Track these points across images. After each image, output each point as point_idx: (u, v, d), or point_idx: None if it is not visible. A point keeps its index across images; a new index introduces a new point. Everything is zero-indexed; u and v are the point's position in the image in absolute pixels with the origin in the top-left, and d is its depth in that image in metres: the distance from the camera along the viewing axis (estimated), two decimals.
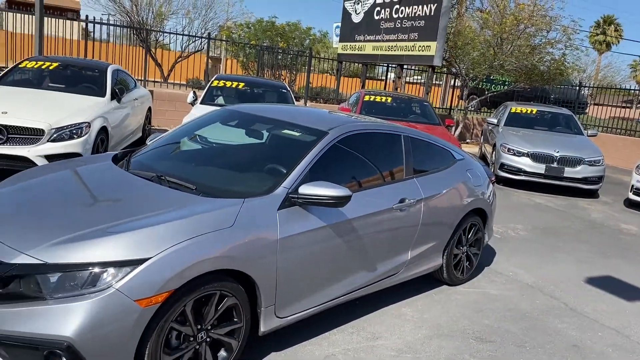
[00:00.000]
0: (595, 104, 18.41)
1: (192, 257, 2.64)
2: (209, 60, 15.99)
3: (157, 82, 13.93)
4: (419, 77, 22.47)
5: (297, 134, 3.72)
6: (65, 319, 2.39)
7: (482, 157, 12.00)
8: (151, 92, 11.44)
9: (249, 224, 2.94)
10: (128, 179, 3.34)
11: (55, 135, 6.27)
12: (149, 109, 10.02)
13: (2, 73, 7.76)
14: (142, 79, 12.82)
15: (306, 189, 3.15)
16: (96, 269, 2.47)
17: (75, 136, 6.44)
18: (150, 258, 2.54)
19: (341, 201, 3.17)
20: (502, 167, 9.91)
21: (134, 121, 8.72)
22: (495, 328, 4.08)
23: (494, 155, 10.49)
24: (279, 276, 3.09)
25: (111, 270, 2.48)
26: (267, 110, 4.27)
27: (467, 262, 4.88)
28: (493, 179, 5.21)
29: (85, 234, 2.58)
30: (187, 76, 16.00)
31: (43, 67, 8.00)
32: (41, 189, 3.24)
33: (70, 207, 2.94)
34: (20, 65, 7.97)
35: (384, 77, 27.34)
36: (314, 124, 3.76)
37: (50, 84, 7.75)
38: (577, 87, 17.64)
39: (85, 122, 6.58)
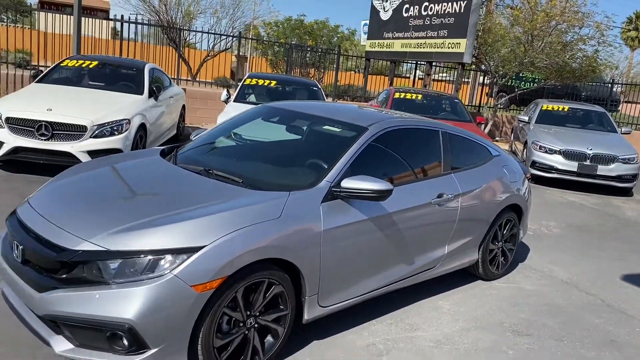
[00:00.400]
0: (627, 102, 18.10)
1: (243, 246, 2.76)
2: (235, 59, 16.19)
3: (187, 80, 14.18)
4: (445, 75, 22.36)
5: (337, 129, 3.83)
6: (127, 303, 2.53)
7: (513, 155, 11.93)
8: (183, 90, 11.67)
9: (294, 215, 3.05)
10: (178, 172, 3.49)
11: (97, 131, 6.49)
12: (183, 106, 10.24)
13: (45, 71, 8.04)
14: (175, 77, 13.06)
15: (348, 183, 3.25)
16: (155, 256, 2.61)
17: (116, 132, 6.65)
18: (206, 246, 2.66)
19: (383, 195, 3.26)
20: (534, 164, 9.86)
21: (169, 119, 8.94)
22: (531, 322, 4.12)
23: (525, 153, 10.44)
24: (322, 266, 3.20)
25: (169, 257, 2.62)
26: (307, 107, 4.38)
27: (502, 258, 4.92)
28: (529, 175, 5.24)
29: (143, 223, 2.72)
30: (213, 75, 16.22)
31: (83, 65, 8.25)
32: (97, 181, 3.41)
33: (126, 198, 3.10)
34: (61, 64, 8.24)
35: (409, 75, 27.31)
36: (354, 120, 3.86)
37: (90, 82, 8.00)
38: (610, 85, 17.35)
39: (125, 119, 6.79)
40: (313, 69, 16.99)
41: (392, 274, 3.77)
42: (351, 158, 3.47)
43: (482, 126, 14.35)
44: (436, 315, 4.04)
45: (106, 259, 2.61)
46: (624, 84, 17.66)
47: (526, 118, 11.55)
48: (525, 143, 10.51)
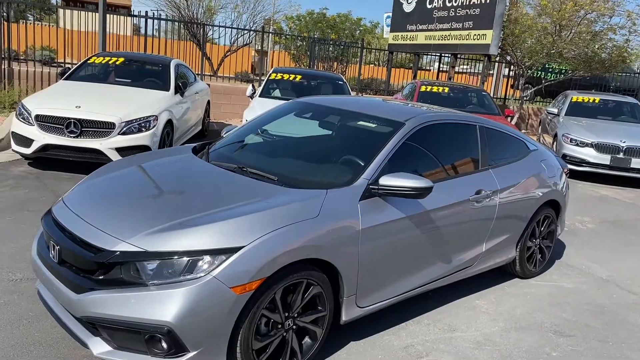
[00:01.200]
0: None
1: (281, 246, 2.69)
2: (255, 53, 16.16)
3: (210, 75, 14.16)
4: (467, 67, 22.02)
5: (372, 125, 3.73)
6: (165, 305, 2.48)
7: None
8: (208, 85, 11.66)
9: (332, 214, 2.97)
10: (211, 170, 3.43)
11: (125, 128, 6.49)
12: (208, 102, 10.22)
13: (72, 69, 8.07)
14: (199, 73, 13.06)
15: (387, 180, 3.16)
16: (193, 257, 2.55)
17: (143, 129, 6.64)
18: (244, 247, 2.60)
19: (422, 192, 3.16)
20: (564, 158, 9.61)
21: (195, 114, 8.92)
22: (573, 322, 3.98)
23: (554, 146, 10.20)
24: (360, 266, 3.11)
25: (207, 258, 2.56)
26: (340, 102, 4.29)
27: (540, 255, 4.78)
28: (566, 169, 5.08)
29: (180, 223, 2.67)
30: (233, 70, 16.20)
31: (110, 62, 8.27)
32: (131, 180, 3.37)
33: (161, 196, 3.05)
34: (88, 61, 8.27)
35: (430, 67, 26.93)
36: (389, 115, 3.76)
37: (117, 79, 8.01)
38: None
39: (152, 116, 6.77)
40: (336, 63, 16.85)
41: (429, 273, 3.67)
42: (388, 154, 3.37)
43: (511, 119, 14.10)
44: (474, 315, 3.93)
45: (144, 260, 2.56)
46: None
47: (555, 110, 11.29)
48: (555, 136, 10.27)
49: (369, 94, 16.33)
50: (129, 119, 6.54)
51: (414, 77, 16.33)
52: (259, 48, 16.17)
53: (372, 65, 21.35)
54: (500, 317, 3.95)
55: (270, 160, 3.74)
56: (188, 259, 2.56)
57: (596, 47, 14.11)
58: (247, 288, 2.60)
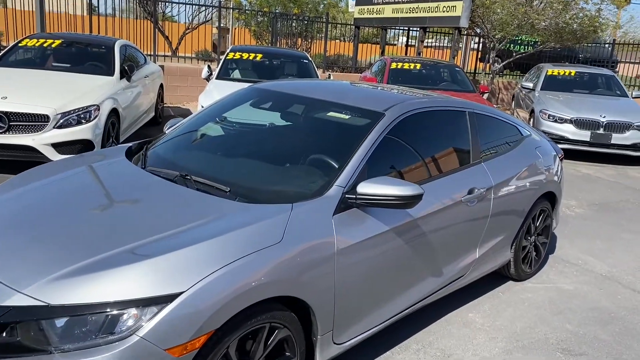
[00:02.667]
0: (622, 62, 17.42)
1: (233, 287, 2.05)
2: (219, 31, 15.22)
3: (166, 56, 13.20)
4: (432, 40, 21.46)
5: (346, 116, 3.08)
6: None
7: None
8: (162, 67, 10.77)
9: (300, 236, 2.34)
10: (145, 180, 2.74)
11: (61, 120, 5.68)
12: (161, 86, 9.36)
13: (1, 53, 7.14)
14: (152, 54, 12.11)
15: (366, 188, 2.53)
16: (114, 311, 1.89)
17: (83, 121, 5.83)
18: (183, 292, 1.95)
19: (411, 201, 2.55)
20: None
21: (146, 100, 8.09)
22: (581, 335, 3.47)
23: (531, 123, 9.74)
24: (337, 296, 2.50)
25: (133, 311, 1.90)
26: (305, 88, 3.61)
27: (535, 253, 4.26)
28: (561, 155, 4.54)
29: (97, 263, 1.99)
30: (195, 49, 15.25)
31: (45, 45, 7.35)
32: (42, 197, 2.63)
33: (76, 223, 2.33)
34: (20, 44, 7.33)
35: (395, 42, 26.23)
36: (365, 104, 3.11)
37: (53, 64, 7.13)
38: (611, 45, 16.61)
39: (93, 105, 5.97)
40: (300, 39, 16.03)
41: (419, 291, 3.08)
42: (367, 154, 2.74)
43: (485, 96, 13.62)
44: (470, 334, 3.37)
45: (48, 317, 1.88)
46: (627, 44, 16.87)
47: (530, 85, 10.81)
48: (532, 112, 9.81)
49: (336, 72, 15.62)
50: (65, 109, 5.72)
51: (382, 52, 15.67)
52: (220, 25, 15.21)
53: (339, 41, 20.52)
54: (499, 334, 3.41)
55: (221, 164, 3.03)
56: (107, 313, 1.89)
57: (567, 17, 13.67)
58: (188, 347, 1.95)
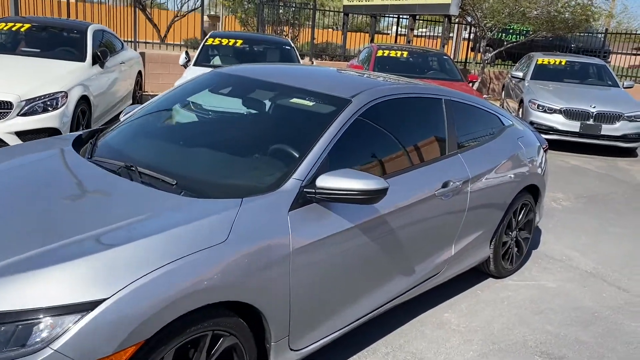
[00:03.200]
0: (613, 53, 17.22)
1: (170, 293, 1.82)
2: (207, 19, 14.88)
3: (149, 43, 12.81)
4: (425, 30, 21.17)
5: (309, 103, 2.84)
6: None
7: None
8: (142, 54, 10.46)
9: (249, 235, 2.11)
10: (86, 172, 2.50)
11: (26, 108, 5.43)
12: (139, 73, 9.07)
13: None
14: (133, 40, 11.77)
15: (326, 181, 2.31)
16: (25, 320, 1.67)
17: (50, 108, 5.58)
18: (107, 299, 1.72)
19: (375, 196, 2.33)
20: (531, 125, 8.92)
21: (121, 88, 7.81)
22: (562, 337, 3.28)
23: (520, 113, 9.53)
24: (293, 300, 2.28)
25: (48, 320, 1.68)
26: (269, 72, 3.37)
27: (517, 249, 4.06)
28: (545, 146, 4.33)
29: (8, 265, 1.76)
30: (185, 37, 14.90)
31: (14, 29, 7.05)
32: None
33: None
34: None
35: (389, 31, 25.85)
36: (332, 90, 2.88)
37: (23, 49, 6.84)
38: (603, 35, 16.39)
39: (61, 92, 5.71)
40: (287, 27, 15.71)
41: (387, 292, 2.87)
42: (329, 144, 2.51)
43: (472, 84, 13.40)
44: (443, 335, 3.17)
45: None
46: (619, 33, 16.67)
47: (520, 74, 10.58)
48: (521, 102, 9.59)
49: (325, 60, 15.33)
50: (30, 96, 5.47)
51: (371, 41, 15.39)
52: (211, 13, 14.91)
53: (330, 29, 20.20)
54: (475, 335, 3.21)
55: (172, 154, 2.79)
56: (17, 323, 1.67)
57: (559, 5, 13.43)
58: None
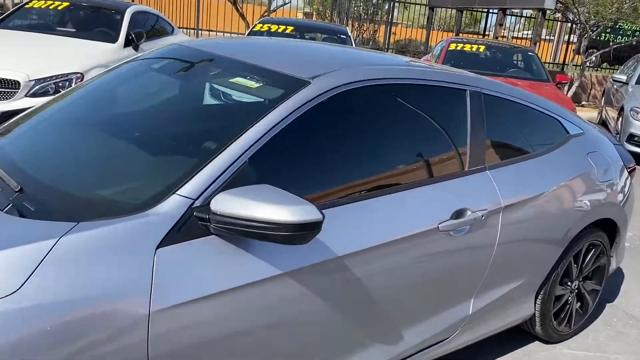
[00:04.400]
0: None
1: None
2: (302, 16, 14.35)
3: (218, 32, 12.37)
4: (528, 32, 19.38)
5: (254, 84, 1.97)
6: None
7: (602, 124, 9.47)
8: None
9: (68, 286, 1.30)
10: None
11: (35, 88, 5.01)
12: None
13: (5, 14, 6.62)
14: (195, 27, 11.40)
15: (223, 204, 1.46)
16: None
17: (62, 90, 5.11)
18: None
19: (298, 233, 1.44)
20: (632, 138, 7.49)
21: None
22: None
23: (619, 123, 8.04)
24: None
25: None
26: (234, 46, 2.51)
27: (579, 305, 2.96)
28: (633, 165, 3.16)
29: None
30: None
31: (51, 7, 6.74)
32: None
33: None
34: (26, 6, 6.77)
35: (489, 32, 24.15)
36: (292, 68, 1.99)
37: (59, 28, 6.51)
38: None
39: (76, 73, 5.25)
40: (365, 23, 14.80)
41: None
42: (255, 145, 1.64)
43: (565, 87, 11.80)
44: None
45: None
46: None
47: (624, 77, 8.99)
48: (621, 110, 8.08)
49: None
50: (41, 76, 5.04)
51: (456, 35, 14.10)
52: (305, 10, 14.38)
53: (418, 28, 19.02)
54: None
55: (52, 151, 2.00)
56: None
57: None
58: None
